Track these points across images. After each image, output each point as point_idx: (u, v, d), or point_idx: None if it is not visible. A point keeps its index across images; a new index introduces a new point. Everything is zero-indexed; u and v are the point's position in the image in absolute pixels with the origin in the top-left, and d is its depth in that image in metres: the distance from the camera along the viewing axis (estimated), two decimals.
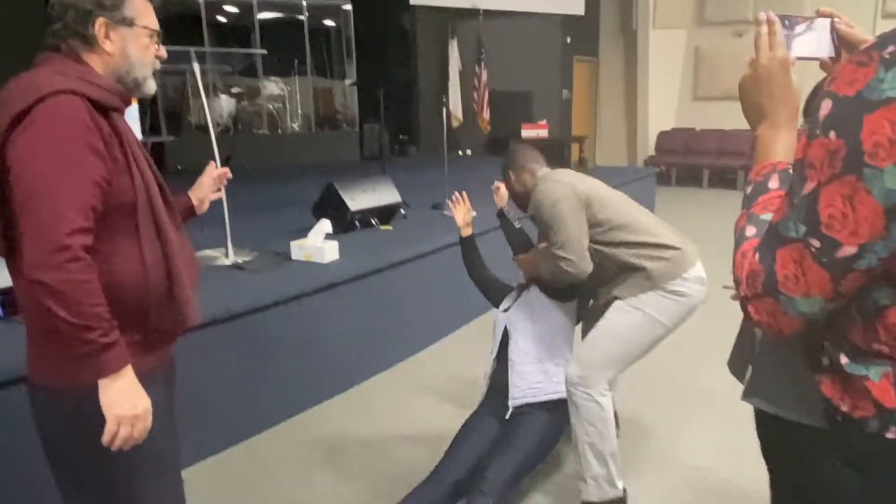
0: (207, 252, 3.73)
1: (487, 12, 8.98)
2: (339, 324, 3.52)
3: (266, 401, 3.15)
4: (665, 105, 11.33)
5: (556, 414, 2.51)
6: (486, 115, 7.63)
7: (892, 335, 0.83)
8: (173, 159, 8.28)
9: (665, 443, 3.00)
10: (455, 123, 6.70)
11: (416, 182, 6.05)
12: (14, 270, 1.40)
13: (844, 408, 0.89)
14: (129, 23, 1.44)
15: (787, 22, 1.01)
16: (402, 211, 4.89)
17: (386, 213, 4.76)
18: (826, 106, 0.78)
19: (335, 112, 10.45)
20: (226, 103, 8.90)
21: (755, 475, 2.57)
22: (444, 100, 6.16)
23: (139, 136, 2.95)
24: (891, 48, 0.73)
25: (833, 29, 1.04)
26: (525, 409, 2.54)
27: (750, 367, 1.90)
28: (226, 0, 8.97)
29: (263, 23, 9.45)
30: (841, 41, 1.05)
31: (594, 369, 2.34)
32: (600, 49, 12.16)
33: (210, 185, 1.92)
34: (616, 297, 2.36)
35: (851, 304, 0.85)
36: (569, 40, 11.17)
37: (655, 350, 2.51)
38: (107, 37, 1.42)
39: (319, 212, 4.41)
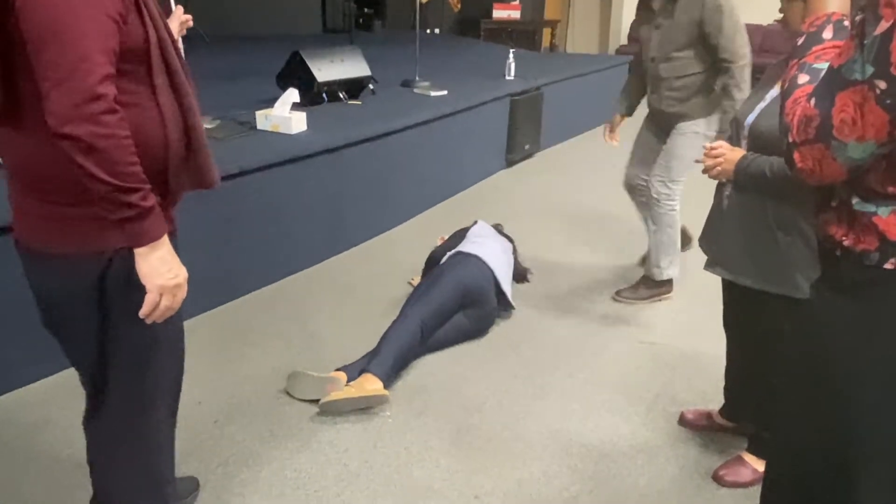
0: None
1: None
2: (306, 197, 3.47)
3: (232, 271, 3.14)
4: None
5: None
6: None
7: None
8: None
9: (627, 321, 3.13)
10: (422, 0, 6.34)
11: (383, 58, 5.80)
12: (17, 126, 1.23)
13: (847, 242, 0.94)
14: None
15: None
16: (371, 86, 4.72)
17: (354, 87, 4.59)
18: None
19: None
20: None
21: (707, 348, 2.73)
22: None
23: None
24: None
25: None
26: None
27: (716, 241, 2.01)
28: None
29: None
30: None
31: (676, 186, 3.08)
32: None
33: (176, 30, 1.78)
34: (686, 116, 3.02)
35: None
36: None
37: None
38: None
39: (284, 82, 4.21)
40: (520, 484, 2.10)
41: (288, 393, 2.47)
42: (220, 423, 2.32)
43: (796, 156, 0.91)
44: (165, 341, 1.49)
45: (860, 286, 0.95)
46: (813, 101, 0.88)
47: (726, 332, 2.19)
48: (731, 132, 1.95)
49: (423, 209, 4.45)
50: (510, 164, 5.54)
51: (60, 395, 2.38)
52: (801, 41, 0.99)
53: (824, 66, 0.93)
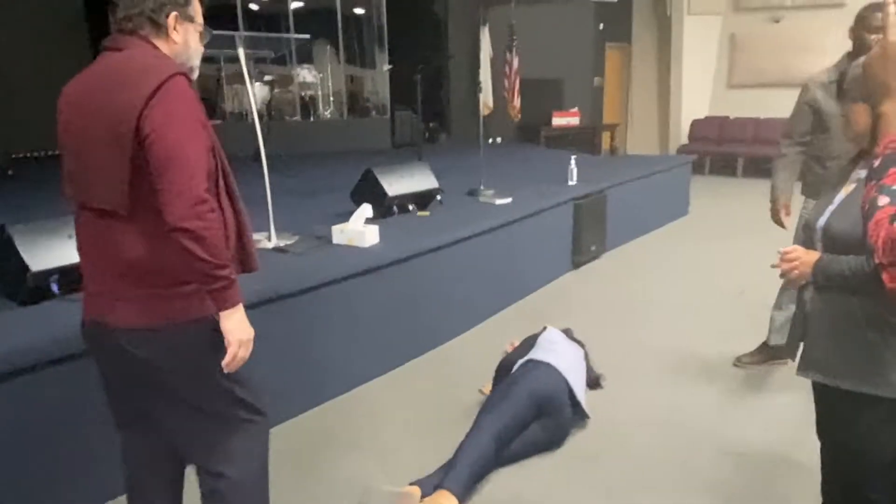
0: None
1: None
2: (380, 306, 3.55)
3: (310, 379, 3.20)
4: (698, 92, 11.17)
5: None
6: (517, 102, 7.52)
7: None
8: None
9: (713, 428, 2.98)
10: (485, 111, 6.63)
11: (449, 168, 6.04)
12: (126, 227, 1.56)
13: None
14: (191, 19, 1.67)
15: None
16: (439, 197, 4.89)
17: (423, 199, 4.76)
18: None
19: (366, 99, 10.46)
20: (259, 91, 8.96)
21: (803, 458, 2.57)
22: (479, 87, 6.10)
23: None
24: None
25: None
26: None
27: (802, 344, 1.93)
28: None
29: (296, 11, 9.48)
30: None
31: None
32: (633, 35, 12.00)
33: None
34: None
35: None
36: (601, 26, 11.04)
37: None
38: (175, 28, 1.64)
39: (358, 197, 4.42)
40: None
41: None
42: None
43: (885, 276, 0.93)
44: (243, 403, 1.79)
45: None
46: None
47: (820, 440, 2.06)
48: (805, 236, 1.93)
49: (491, 314, 4.45)
50: (577, 265, 5.53)
51: None
52: (877, 163, 1.00)
53: None
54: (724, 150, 10.64)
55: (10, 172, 7.10)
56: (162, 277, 1.56)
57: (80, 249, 1.74)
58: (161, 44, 1.63)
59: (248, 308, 1.68)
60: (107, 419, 2.24)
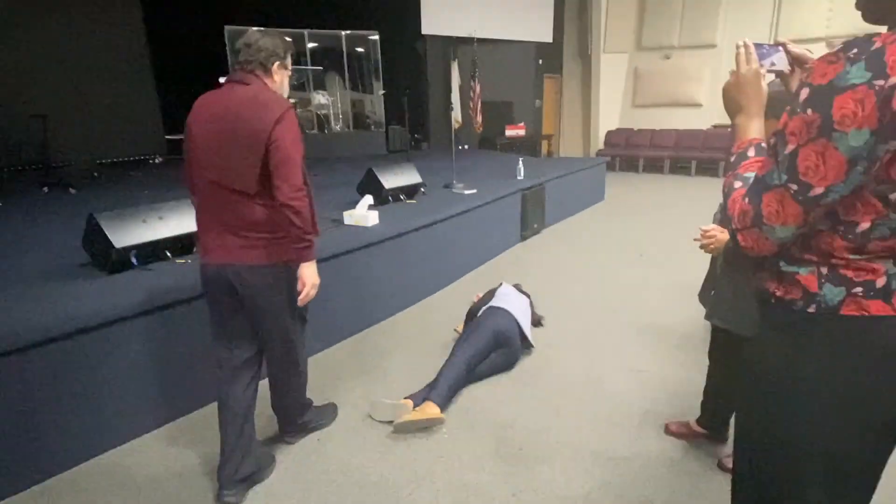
0: None
1: (480, 40, 8.72)
2: (380, 270, 3.54)
3: (327, 325, 3.19)
4: (611, 110, 11.16)
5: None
6: (479, 118, 7.46)
7: (819, 249, 0.89)
8: None
9: (621, 355, 3.05)
10: (456, 125, 6.57)
11: (429, 168, 5.97)
12: (251, 201, 1.77)
13: (779, 293, 0.94)
14: (286, 67, 1.91)
15: (759, 46, 1.04)
16: (423, 189, 4.86)
17: (411, 191, 4.72)
18: (804, 92, 0.81)
19: (366, 117, 10.26)
20: None
21: (683, 374, 2.62)
22: (451, 107, 6.03)
23: None
24: (854, 51, 0.77)
25: (787, 51, 1.07)
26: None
27: (712, 295, 1.97)
28: (283, 32, 8.73)
29: (312, 49, 9.22)
30: (793, 58, 1.08)
31: None
32: (563, 68, 11.90)
33: None
34: None
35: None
36: (540, 62, 10.93)
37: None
38: (276, 72, 1.87)
39: (362, 190, 4.38)
40: (546, 483, 2.03)
41: (370, 416, 2.47)
42: (323, 441, 2.32)
43: (739, 237, 0.92)
44: (303, 317, 2.07)
45: (790, 325, 0.94)
46: (747, 199, 0.90)
47: (710, 360, 2.11)
48: (721, 216, 1.90)
49: (462, 275, 4.47)
50: (524, 239, 5.56)
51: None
52: (733, 158, 1.01)
53: (750, 175, 0.94)
54: (630, 152, 10.66)
55: (95, 175, 6.88)
56: (273, 231, 1.80)
57: (203, 214, 1.86)
58: (268, 81, 1.84)
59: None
60: (167, 362, 2.19)
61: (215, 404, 1.99)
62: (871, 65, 0.75)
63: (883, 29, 0.86)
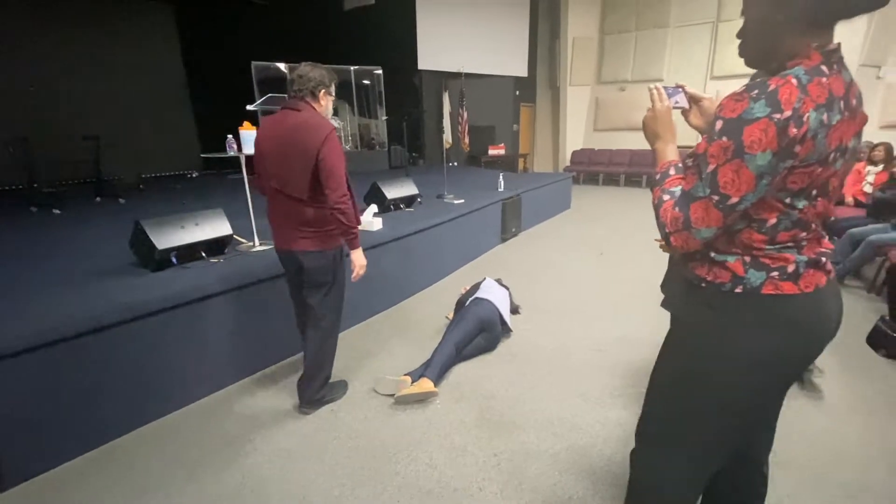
0: None
1: (467, 74, 8.76)
2: (385, 267, 3.52)
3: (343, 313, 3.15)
4: (576, 133, 11.19)
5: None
6: (467, 140, 7.46)
7: (741, 243, 0.96)
8: None
9: (588, 338, 3.05)
10: (446, 145, 6.58)
11: (425, 182, 5.95)
12: (307, 203, 1.93)
13: (709, 277, 1.00)
14: (332, 94, 2.01)
15: (667, 88, 1.13)
16: (419, 199, 4.83)
17: (409, 201, 4.70)
18: (719, 124, 0.89)
19: (371, 138, 10.21)
20: None
21: (634, 355, 2.63)
22: (443, 130, 6.02)
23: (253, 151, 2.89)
24: (755, 91, 0.85)
25: (686, 91, 1.15)
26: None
27: (669, 289, 1.97)
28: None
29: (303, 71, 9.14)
30: (690, 97, 1.16)
31: None
32: (537, 98, 11.92)
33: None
34: None
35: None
36: (517, 92, 10.93)
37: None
38: (323, 98, 1.98)
39: (368, 200, 4.35)
40: (522, 445, 2.03)
41: (375, 390, 2.46)
42: (335, 411, 2.31)
43: (672, 239, 0.98)
44: (343, 292, 2.20)
45: (720, 303, 0.99)
46: (677, 209, 0.96)
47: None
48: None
49: (452, 271, 4.45)
50: (504, 240, 5.55)
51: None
52: (658, 177, 1.05)
53: (676, 189, 1.00)
54: (591, 168, 10.66)
55: (140, 187, 6.78)
56: (321, 227, 1.97)
57: (272, 214, 2.04)
58: (315, 106, 1.95)
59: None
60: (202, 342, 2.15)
61: (275, 366, 2.25)
62: (769, 102, 0.83)
63: (754, 71, 0.96)
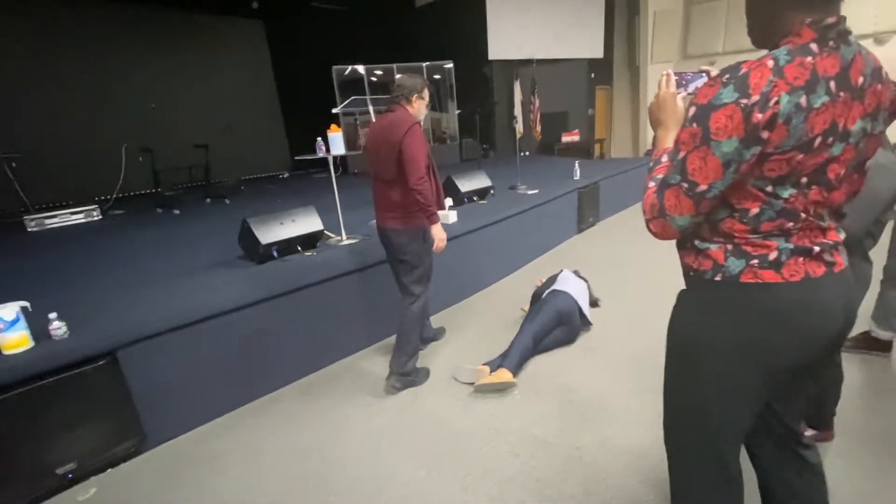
0: None
1: (539, 61, 8.53)
2: (459, 260, 3.58)
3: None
4: None
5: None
6: (539, 128, 7.26)
7: (723, 231, 0.95)
8: (352, 166, 8.55)
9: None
10: (518, 135, 6.46)
11: (497, 173, 5.92)
12: (394, 187, 2.21)
13: (696, 265, 1.01)
14: (424, 98, 2.29)
15: (686, 74, 1.07)
16: (492, 191, 4.84)
17: (482, 193, 4.72)
18: (692, 110, 0.89)
19: (443, 132, 10.35)
20: None
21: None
22: (514, 120, 5.94)
23: (343, 152, 3.09)
24: (726, 76, 0.85)
25: (710, 76, 1.09)
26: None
27: None
28: (377, 67, 8.97)
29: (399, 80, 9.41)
30: None
31: None
32: (614, 79, 11.25)
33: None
34: None
35: (707, 217, 0.97)
36: (592, 75, 10.40)
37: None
38: (416, 102, 2.27)
39: (444, 194, 4.43)
40: (605, 440, 1.98)
41: (455, 378, 2.52)
42: (418, 395, 2.40)
43: (650, 226, 0.98)
44: (429, 272, 2.43)
45: (702, 290, 1.00)
46: (655, 195, 0.96)
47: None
48: None
49: (526, 262, 4.42)
50: (580, 231, 5.38)
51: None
52: (651, 164, 1.04)
53: (661, 176, 0.98)
54: None
55: (242, 188, 7.53)
56: (406, 208, 2.22)
57: (375, 197, 2.33)
58: (409, 108, 2.26)
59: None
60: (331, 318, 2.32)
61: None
62: (738, 87, 0.82)
63: (764, 51, 0.90)
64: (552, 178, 5.74)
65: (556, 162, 7.85)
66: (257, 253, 2.91)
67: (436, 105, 10.37)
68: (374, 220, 2.38)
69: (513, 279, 4.07)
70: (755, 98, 0.81)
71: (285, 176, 9.31)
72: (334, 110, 3.86)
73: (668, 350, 1.10)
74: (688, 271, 1.03)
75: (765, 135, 0.83)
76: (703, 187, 0.89)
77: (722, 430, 1.04)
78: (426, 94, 2.30)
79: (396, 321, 2.39)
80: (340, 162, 7.72)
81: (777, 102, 0.81)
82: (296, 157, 3.60)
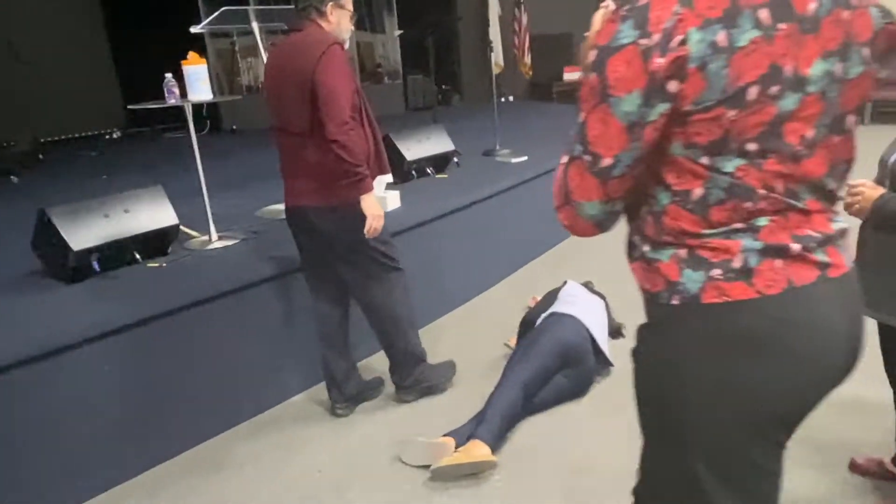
0: (274, 206, 3.80)
1: None
2: (406, 267, 3.55)
3: None
4: None
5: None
6: (528, 59, 7.37)
7: (671, 228, 1.02)
8: (228, 120, 8.36)
9: None
10: (496, 70, 6.51)
11: (464, 130, 5.99)
12: (308, 143, 2.38)
13: (647, 286, 1.09)
14: (343, 7, 2.41)
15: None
16: (456, 159, 4.87)
17: (440, 162, 4.75)
18: (592, 54, 0.96)
19: (377, 65, 10.34)
20: None
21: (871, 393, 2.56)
22: (490, 47, 5.99)
23: (209, 97, 3.02)
24: (626, 7, 0.92)
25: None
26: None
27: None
28: None
29: None
30: None
31: None
32: None
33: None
34: None
35: (643, 207, 1.06)
36: None
37: None
38: (332, 12, 2.38)
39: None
40: None
41: (400, 460, 2.51)
42: (342, 490, 2.38)
43: (559, 216, 1.07)
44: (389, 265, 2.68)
45: (659, 322, 1.10)
46: (561, 173, 1.06)
47: (889, 379, 2.07)
48: (878, 171, 1.88)
49: (513, 270, 4.48)
50: None
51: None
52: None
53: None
54: None
55: (40, 157, 7.20)
56: (332, 172, 2.34)
57: (282, 162, 2.54)
58: (324, 24, 2.38)
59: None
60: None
61: None
62: (637, 22, 0.90)
63: None
64: (549, 138, 5.81)
65: (554, 112, 8.04)
66: (65, 265, 2.78)
67: (365, 21, 10.40)
68: (286, 199, 2.55)
69: (490, 297, 4.10)
70: (656, 37, 0.88)
71: (115, 136, 8.97)
72: (194, 29, 3.76)
73: (638, 408, 1.19)
74: (641, 291, 1.12)
75: (672, 86, 0.90)
76: (607, 161, 0.97)
77: None
78: (349, 1, 2.37)
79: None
80: (208, 113, 7.52)
81: (683, 42, 0.88)
82: (128, 106, 3.47)
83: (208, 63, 2.90)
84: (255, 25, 3.55)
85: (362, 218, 2.41)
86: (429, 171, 4.64)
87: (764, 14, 0.89)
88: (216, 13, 3.62)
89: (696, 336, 1.02)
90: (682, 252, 1.02)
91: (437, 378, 2.94)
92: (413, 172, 4.51)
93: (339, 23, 2.41)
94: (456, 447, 2.41)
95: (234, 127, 8.19)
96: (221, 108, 8.21)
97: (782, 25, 0.90)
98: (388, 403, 2.96)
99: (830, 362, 1.01)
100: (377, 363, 3.19)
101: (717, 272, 0.98)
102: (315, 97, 2.27)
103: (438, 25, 7.79)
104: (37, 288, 2.81)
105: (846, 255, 1.04)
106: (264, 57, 3.77)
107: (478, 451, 2.37)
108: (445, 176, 4.64)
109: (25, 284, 2.87)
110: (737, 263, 0.98)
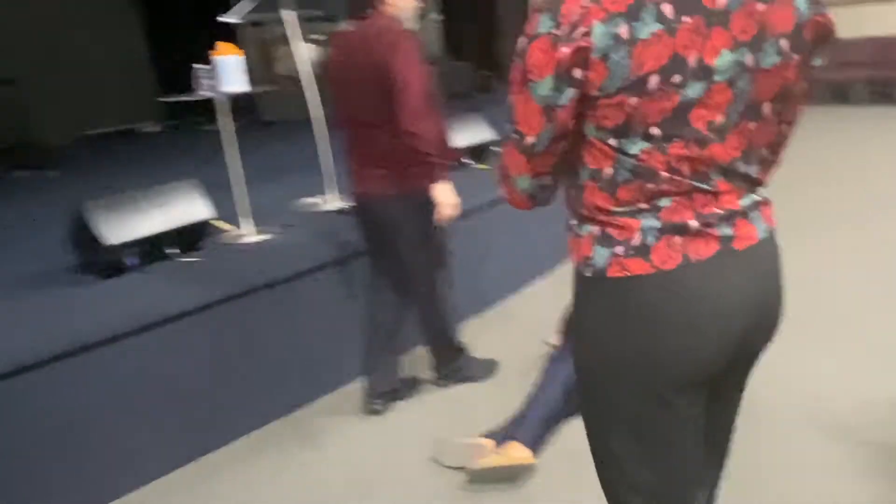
0: (309, 199, 3.84)
1: None
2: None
3: None
4: None
5: None
6: None
7: (589, 204, 1.14)
8: (266, 110, 8.46)
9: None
10: None
11: (503, 119, 5.92)
12: (381, 133, 2.45)
13: (574, 258, 1.22)
14: None
15: None
16: (496, 148, 4.82)
17: (479, 152, 4.71)
18: (521, 41, 1.06)
19: None
20: (308, 52, 8.91)
21: None
22: None
23: (246, 88, 3.04)
24: (549, 1, 1.02)
25: None
26: None
27: None
28: None
29: None
30: None
31: None
32: None
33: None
34: None
35: (572, 184, 1.17)
36: None
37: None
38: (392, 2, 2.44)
39: None
40: None
41: (436, 460, 2.50)
42: (373, 489, 2.39)
43: (502, 190, 1.23)
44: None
45: (579, 294, 1.23)
46: (502, 150, 1.22)
47: None
48: None
49: (555, 265, 4.41)
50: None
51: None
52: None
53: None
54: None
55: (76, 152, 7.41)
56: (404, 161, 2.45)
57: (350, 152, 2.64)
58: (386, 8, 2.43)
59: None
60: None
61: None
62: (552, 14, 1.01)
63: None
64: None
65: None
66: (100, 261, 2.85)
67: None
68: (353, 188, 2.68)
69: (531, 294, 4.07)
70: (565, 28, 1.00)
71: (152, 131, 9.18)
72: (223, 18, 3.79)
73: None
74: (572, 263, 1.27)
75: (578, 73, 1.02)
76: (530, 139, 1.11)
77: (648, 486, 1.24)
78: None
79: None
80: (244, 104, 7.62)
81: (587, 34, 0.98)
82: (159, 99, 3.54)
83: (243, 53, 2.91)
84: (283, 14, 3.56)
85: (431, 207, 2.49)
86: (467, 161, 4.59)
87: (667, 8, 0.98)
88: (252, 4, 3.65)
89: (602, 308, 1.16)
90: (596, 229, 1.15)
91: (477, 370, 3.05)
92: (454, 163, 4.47)
93: (402, 6, 2.45)
94: (494, 448, 2.40)
95: (269, 119, 8.28)
96: (258, 100, 8.32)
97: (686, 19, 0.98)
98: (424, 402, 2.95)
99: (724, 328, 1.12)
100: (413, 361, 3.19)
101: (619, 249, 1.11)
102: (386, 87, 2.31)
103: (478, 10, 7.74)
104: (69, 286, 2.89)
105: (759, 226, 1.14)
106: (298, 46, 3.81)
107: (517, 453, 2.35)
108: (486, 167, 4.60)
109: (57, 281, 2.94)
110: (636, 241, 1.10)
